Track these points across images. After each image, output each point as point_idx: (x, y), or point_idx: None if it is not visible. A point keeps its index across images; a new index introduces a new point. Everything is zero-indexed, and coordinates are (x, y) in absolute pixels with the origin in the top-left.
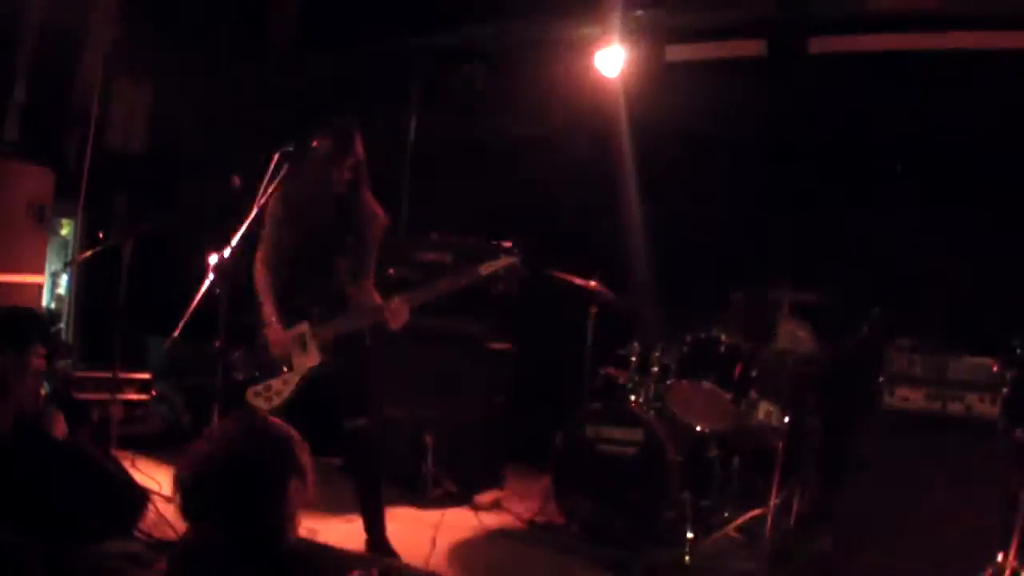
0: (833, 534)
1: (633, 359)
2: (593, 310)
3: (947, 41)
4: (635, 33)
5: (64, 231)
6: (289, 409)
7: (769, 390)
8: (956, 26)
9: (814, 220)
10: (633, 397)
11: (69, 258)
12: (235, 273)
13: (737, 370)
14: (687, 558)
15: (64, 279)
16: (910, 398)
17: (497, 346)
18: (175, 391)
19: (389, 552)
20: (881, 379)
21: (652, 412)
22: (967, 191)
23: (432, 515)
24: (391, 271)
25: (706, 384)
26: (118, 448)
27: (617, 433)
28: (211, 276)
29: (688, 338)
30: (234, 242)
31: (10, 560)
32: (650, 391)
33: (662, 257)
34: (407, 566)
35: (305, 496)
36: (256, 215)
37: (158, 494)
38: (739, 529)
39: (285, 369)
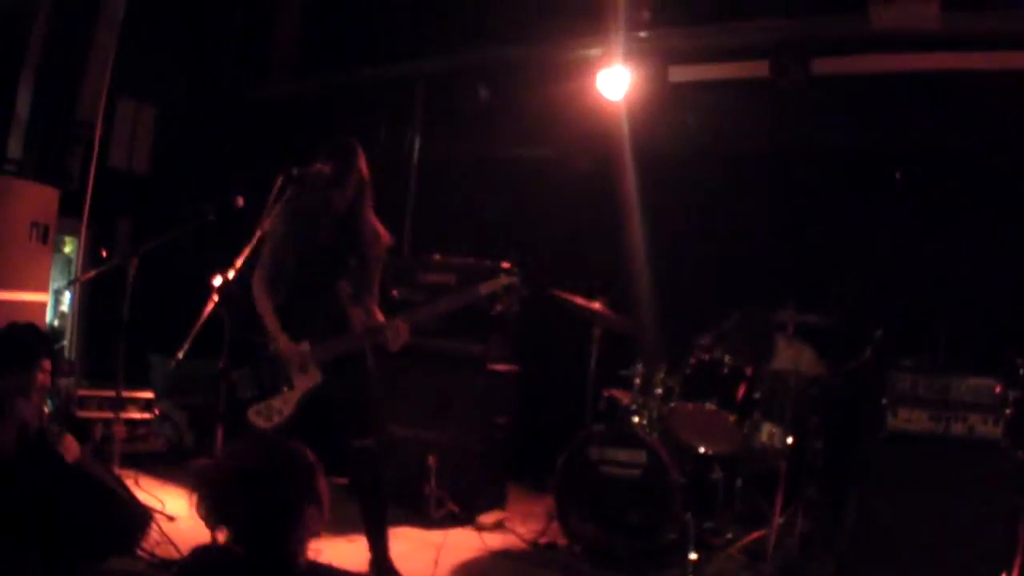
0: (836, 556)
1: (636, 380)
2: (596, 331)
3: (949, 61)
4: (638, 54)
5: (67, 249)
6: (291, 428)
7: (772, 412)
8: (959, 47)
9: (817, 241)
10: (636, 419)
11: (72, 276)
12: (239, 294)
13: (740, 392)
14: None
15: (67, 297)
16: (913, 419)
17: (500, 367)
18: (178, 410)
19: (393, 572)
20: (884, 400)
21: (655, 434)
22: (971, 211)
23: (435, 535)
24: (395, 292)
25: (709, 406)
26: (121, 466)
27: (620, 455)
28: (215, 298)
29: (691, 360)
30: (238, 264)
31: None
32: (653, 413)
33: (665, 278)
34: None
35: (319, 524)
36: (259, 236)
37: (161, 513)
38: (742, 551)
39: (286, 388)
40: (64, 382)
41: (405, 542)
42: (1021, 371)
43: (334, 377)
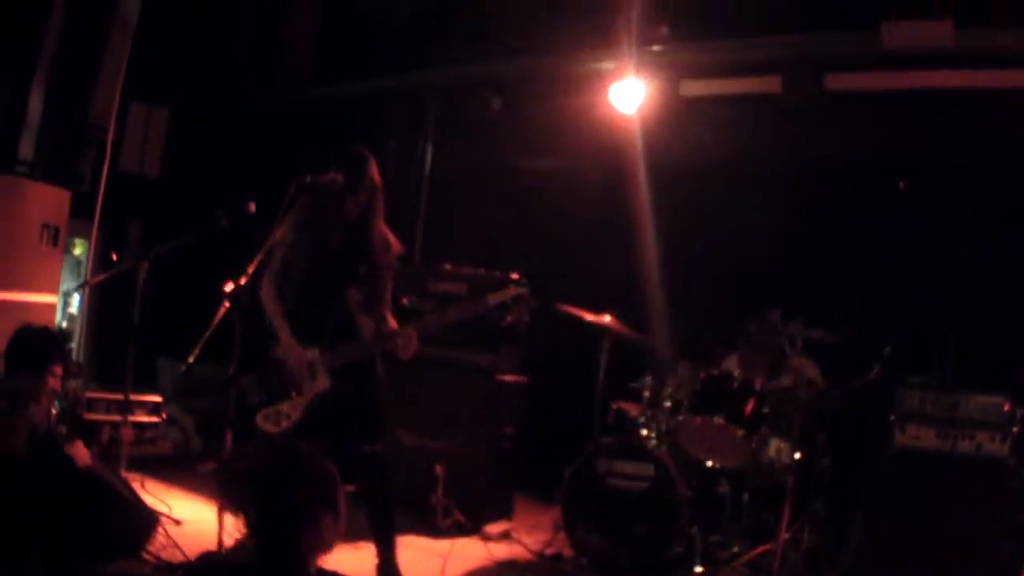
0: (841, 571)
1: (645, 393)
2: (605, 343)
3: (959, 79)
4: (651, 68)
5: (77, 251)
6: (299, 434)
7: (780, 427)
8: (970, 65)
9: (827, 255)
10: (644, 431)
11: (82, 278)
12: (249, 300)
13: (749, 406)
14: None
15: (76, 299)
16: (921, 436)
17: (509, 378)
18: (185, 414)
19: None
20: (892, 417)
21: (663, 447)
22: (982, 227)
23: (442, 544)
24: (405, 300)
25: (718, 420)
26: (128, 469)
27: (628, 467)
28: (226, 303)
29: (701, 374)
30: (250, 270)
31: None
32: (662, 426)
33: (675, 292)
34: None
35: (335, 536)
36: (270, 242)
37: (167, 516)
38: (748, 565)
39: (294, 394)
40: (72, 384)
41: (412, 550)
42: None
43: (343, 383)
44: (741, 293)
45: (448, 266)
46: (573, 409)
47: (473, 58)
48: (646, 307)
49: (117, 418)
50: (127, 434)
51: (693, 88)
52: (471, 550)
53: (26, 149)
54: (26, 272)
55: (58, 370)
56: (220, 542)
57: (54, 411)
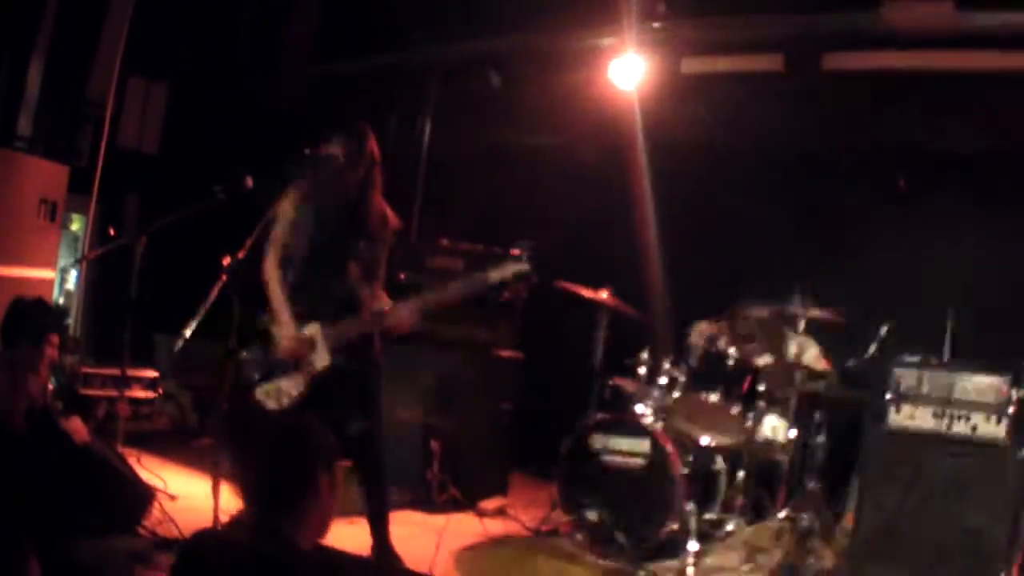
0: (837, 550)
1: (642, 370)
2: (603, 320)
3: (961, 60)
4: (651, 45)
5: (75, 226)
6: (300, 410)
7: (776, 405)
8: (971, 45)
9: (827, 235)
10: (640, 408)
11: (79, 253)
12: (247, 275)
13: (745, 384)
14: (690, 570)
15: (73, 274)
16: (916, 416)
17: (506, 354)
18: (182, 389)
19: (393, 555)
20: (888, 396)
21: (659, 424)
22: (982, 208)
23: (437, 520)
24: (402, 275)
25: (714, 397)
26: (124, 445)
27: (624, 444)
28: (224, 278)
29: (698, 351)
30: (247, 244)
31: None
32: (658, 403)
33: (674, 269)
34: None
35: (333, 500)
36: (269, 217)
37: (163, 492)
38: (743, 543)
39: (295, 370)
40: (69, 359)
41: (407, 526)
42: None
43: (342, 360)
44: (739, 270)
45: (445, 241)
46: (570, 386)
47: (472, 35)
48: (643, 284)
49: (114, 393)
50: (123, 409)
51: (694, 65)
52: (467, 526)
53: (24, 124)
54: (24, 247)
55: (55, 339)
56: (216, 517)
57: (51, 386)
